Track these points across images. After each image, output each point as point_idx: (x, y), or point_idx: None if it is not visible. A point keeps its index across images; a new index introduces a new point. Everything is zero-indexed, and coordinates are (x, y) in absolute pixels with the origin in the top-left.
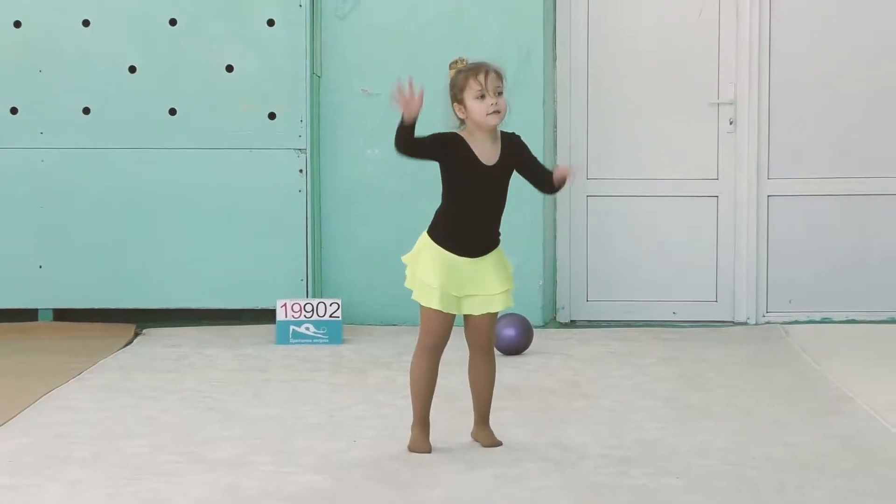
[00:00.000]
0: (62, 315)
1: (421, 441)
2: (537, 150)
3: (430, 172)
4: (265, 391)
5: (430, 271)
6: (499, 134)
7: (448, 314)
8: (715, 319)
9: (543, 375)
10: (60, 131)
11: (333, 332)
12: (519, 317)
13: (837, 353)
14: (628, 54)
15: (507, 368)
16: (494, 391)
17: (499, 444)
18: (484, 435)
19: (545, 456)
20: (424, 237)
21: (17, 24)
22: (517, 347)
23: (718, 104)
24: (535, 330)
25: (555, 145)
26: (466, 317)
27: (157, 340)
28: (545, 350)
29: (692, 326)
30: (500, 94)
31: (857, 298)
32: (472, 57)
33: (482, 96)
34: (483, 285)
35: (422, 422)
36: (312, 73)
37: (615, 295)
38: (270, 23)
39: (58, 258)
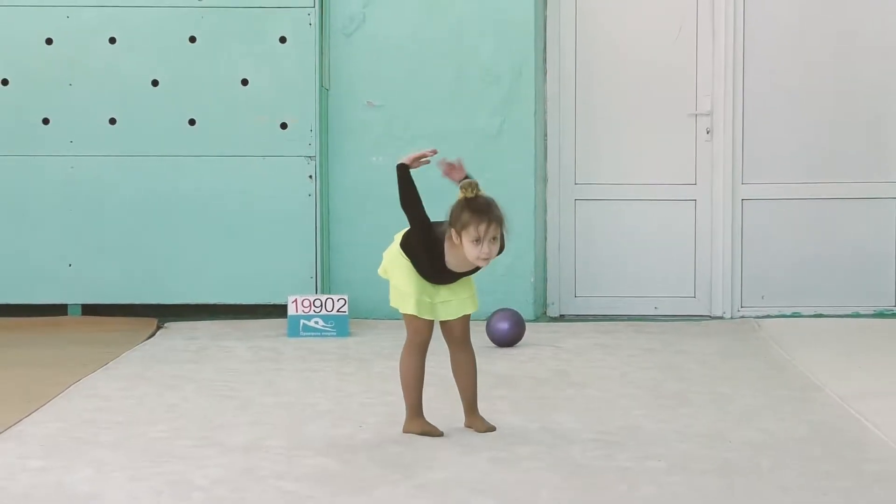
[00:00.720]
0: (90, 310)
1: (428, 426)
2: (529, 157)
3: (428, 178)
4: (277, 380)
5: (403, 279)
6: None
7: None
8: (693, 314)
9: (535, 366)
10: (89, 140)
11: (341, 326)
12: (512, 311)
13: (807, 345)
14: (613, 68)
15: (500, 359)
16: (489, 380)
17: (493, 429)
18: (477, 422)
19: (537, 440)
20: (397, 252)
21: (49, 42)
22: (510, 340)
23: (696, 115)
24: (527, 323)
25: (545, 152)
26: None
27: (177, 333)
28: (536, 342)
29: (672, 320)
30: (493, 241)
31: (824, 294)
32: (470, 70)
33: (477, 243)
34: (454, 291)
35: (417, 412)
36: (321, 86)
37: (601, 291)
38: (282, 40)
39: (86, 257)
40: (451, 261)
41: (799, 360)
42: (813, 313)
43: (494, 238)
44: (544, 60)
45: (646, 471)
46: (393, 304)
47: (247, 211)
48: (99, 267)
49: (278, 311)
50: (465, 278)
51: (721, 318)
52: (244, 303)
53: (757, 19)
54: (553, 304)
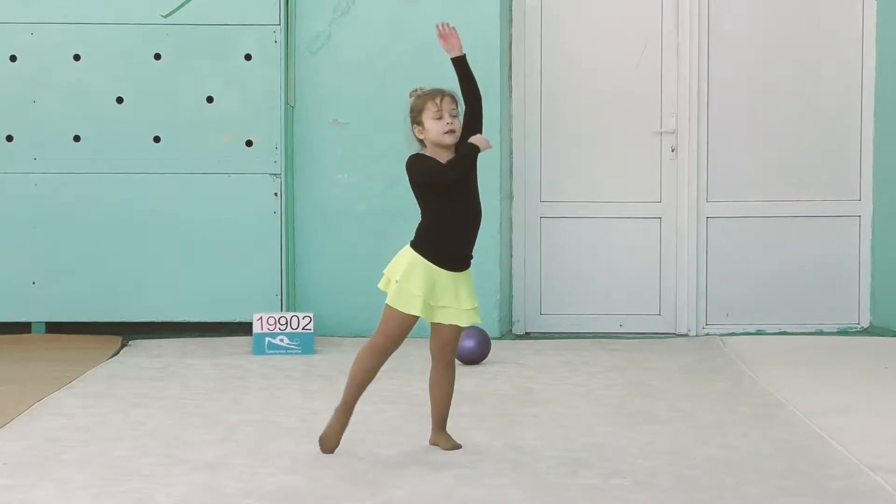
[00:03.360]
0: (54, 328)
1: (335, 435)
2: (495, 175)
3: (393, 196)
4: (243, 398)
5: (416, 280)
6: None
7: (411, 322)
8: (658, 331)
9: (500, 383)
10: (53, 157)
11: (306, 344)
12: (478, 329)
13: (770, 363)
14: (578, 87)
15: (466, 377)
16: (455, 397)
17: (458, 447)
18: (443, 439)
19: (502, 457)
20: (410, 252)
21: (13, 59)
22: (476, 357)
23: (661, 133)
24: (492, 341)
25: (511, 171)
26: (435, 329)
27: (142, 351)
28: (502, 360)
29: (637, 338)
30: (454, 115)
31: (788, 312)
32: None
33: (439, 117)
34: (457, 299)
35: (348, 411)
36: (287, 103)
37: (567, 309)
38: (248, 57)
39: (50, 275)
40: (442, 160)
41: (763, 378)
42: (777, 331)
43: (454, 115)
44: (510, 79)
45: (610, 488)
46: (391, 301)
47: (212, 228)
48: (63, 284)
49: (243, 328)
50: (468, 283)
51: (686, 335)
52: (209, 320)
53: (721, 39)
54: (518, 321)
